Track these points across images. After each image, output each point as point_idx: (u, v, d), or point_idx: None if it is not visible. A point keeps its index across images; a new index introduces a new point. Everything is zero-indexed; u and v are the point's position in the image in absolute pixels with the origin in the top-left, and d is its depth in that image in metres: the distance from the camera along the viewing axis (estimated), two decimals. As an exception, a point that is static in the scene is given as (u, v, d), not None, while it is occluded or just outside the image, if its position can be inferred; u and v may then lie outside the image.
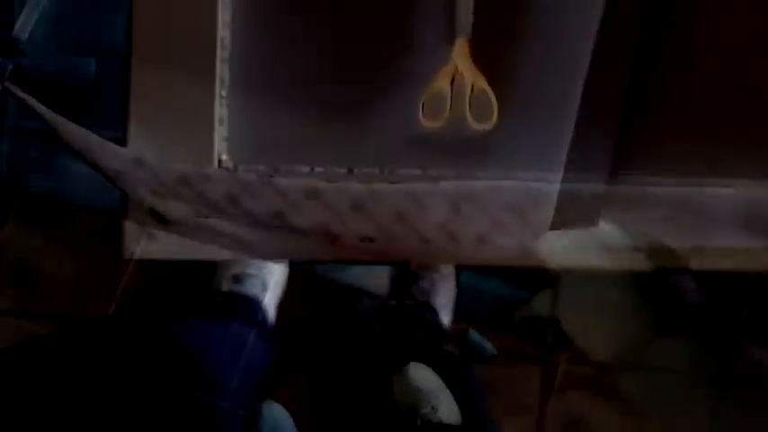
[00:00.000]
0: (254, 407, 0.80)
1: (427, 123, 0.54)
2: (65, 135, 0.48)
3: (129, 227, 0.48)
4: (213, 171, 0.48)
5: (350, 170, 0.49)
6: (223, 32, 0.48)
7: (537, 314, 0.50)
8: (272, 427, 0.80)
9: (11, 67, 0.58)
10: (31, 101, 0.49)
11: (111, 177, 0.47)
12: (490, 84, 0.54)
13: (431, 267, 1.06)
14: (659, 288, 0.41)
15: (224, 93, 0.48)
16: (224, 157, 0.49)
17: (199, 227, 0.48)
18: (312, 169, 0.48)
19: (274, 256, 0.50)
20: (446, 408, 0.90)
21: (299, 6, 0.52)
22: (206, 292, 1.04)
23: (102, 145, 0.47)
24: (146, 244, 0.48)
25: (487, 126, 0.54)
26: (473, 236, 0.47)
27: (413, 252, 0.47)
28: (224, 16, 0.49)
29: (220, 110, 0.48)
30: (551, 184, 0.49)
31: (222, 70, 0.48)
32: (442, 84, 0.55)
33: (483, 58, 0.55)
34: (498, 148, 0.53)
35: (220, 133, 0.48)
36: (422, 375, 0.94)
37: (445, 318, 1.07)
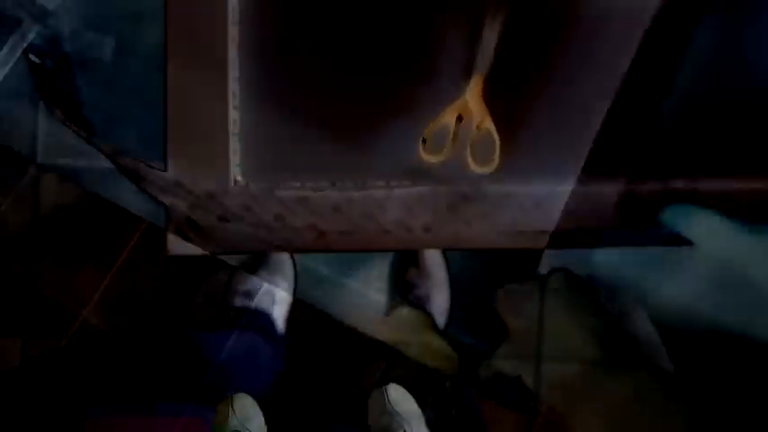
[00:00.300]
0: (227, 398, 0.85)
1: (426, 157, 0.54)
2: (120, 164, 0.64)
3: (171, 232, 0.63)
4: (231, 187, 0.63)
5: (333, 183, 0.62)
6: (234, 87, 0.63)
7: (500, 371, 0.51)
8: (244, 418, 0.84)
9: (33, 33, 0.59)
10: (91, 138, 0.64)
11: (157, 195, 0.63)
12: (497, 127, 0.53)
13: (425, 276, 1.06)
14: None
15: (236, 131, 0.63)
16: (238, 177, 0.63)
17: (222, 230, 0.63)
18: (303, 184, 0.62)
19: (277, 249, 0.63)
20: (419, 433, 0.88)
21: (309, 57, 0.59)
22: (221, 308, 1.08)
23: (149, 171, 0.63)
24: (182, 245, 0.64)
25: (486, 170, 0.53)
26: (421, 227, 0.61)
27: (379, 241, 0.62)
28: (233, 72, 0.62)
29: (235, 144, 0.63)
30: (479, 188, 0.59)
31: (234, 114, 0.63)
32: (449, 119, 0.53)
33: (495, 100, 0.53)
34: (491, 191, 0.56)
35: (235, 160, 0.63)
36: (399, 397, 0.94)
37: (441, 322, 1.04)
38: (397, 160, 0.56)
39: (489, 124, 0.52)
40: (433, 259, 1.05)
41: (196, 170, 0.63)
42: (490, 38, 0.52)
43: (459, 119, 0.53)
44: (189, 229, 0.63)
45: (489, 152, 0.53)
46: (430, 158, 0.54)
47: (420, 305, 1.04)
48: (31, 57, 0.63)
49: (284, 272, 1.03)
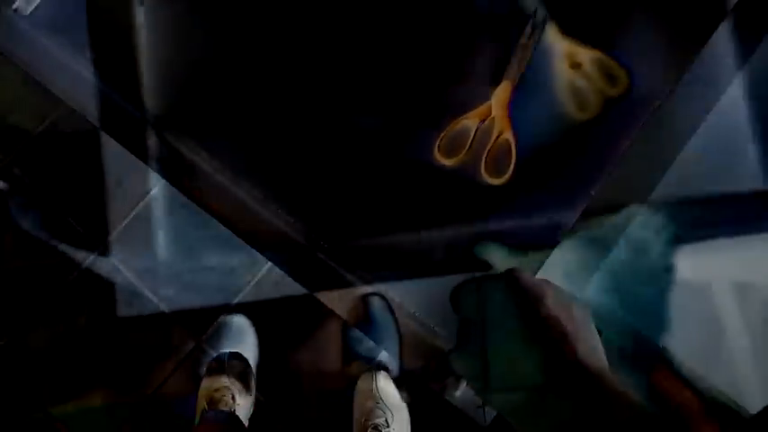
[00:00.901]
0: (223, 359, 0.91)
1: (440, 158, 0.50)
2: (76, 261, 0.86)
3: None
4: (159, 267, 0.86)
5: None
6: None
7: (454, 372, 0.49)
8: (237, 377, 0.93)
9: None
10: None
11: (105, 276, 0.86)
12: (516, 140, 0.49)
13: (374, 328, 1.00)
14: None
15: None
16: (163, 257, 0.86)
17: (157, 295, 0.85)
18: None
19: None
20: (399, 425, 0.89)
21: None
22: (191, 377, 1.06)
23: (97, 259, 0.85)
24: (128, 308, 0.85)
25: (497, 181, 0.50)
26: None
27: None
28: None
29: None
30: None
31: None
32: (470, 123, 0.50)
33: (519, 112, 0.50)
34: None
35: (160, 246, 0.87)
36: (386, 386, 0.95)
37: (395, 369, 1.04)
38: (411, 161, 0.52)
39: (509, 135, 0.49)
40: (378, 308, 1.03)
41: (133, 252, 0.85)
42: (527, 47, 0.50)
43: (481, 124, 0.49)
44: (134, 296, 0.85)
45: (504, 164, 0.49)
46: (443, 160, 0.50)
47: (373, 358, 1.06)
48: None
49: (246, 340, 1.08)
